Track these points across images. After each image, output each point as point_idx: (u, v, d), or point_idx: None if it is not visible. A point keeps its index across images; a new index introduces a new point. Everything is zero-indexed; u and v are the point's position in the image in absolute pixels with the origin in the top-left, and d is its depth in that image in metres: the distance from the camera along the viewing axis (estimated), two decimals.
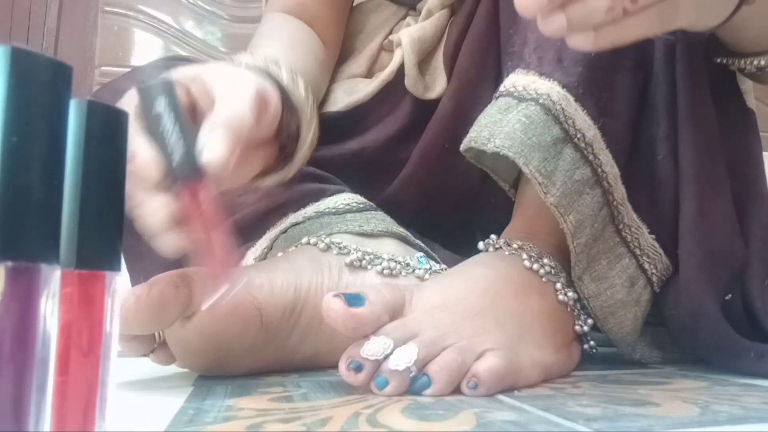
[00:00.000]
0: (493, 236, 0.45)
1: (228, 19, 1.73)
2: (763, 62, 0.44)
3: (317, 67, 0.59)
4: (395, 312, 0.36)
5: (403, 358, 0.34)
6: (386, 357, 0.34)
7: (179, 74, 0.37)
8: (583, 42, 0.32)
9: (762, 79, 0.48)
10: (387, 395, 0.33)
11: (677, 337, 0.45)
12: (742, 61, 0.45)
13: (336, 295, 0.35)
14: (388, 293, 0.36)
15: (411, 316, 0.37)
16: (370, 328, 0.35)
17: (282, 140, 0.43)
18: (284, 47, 0.56)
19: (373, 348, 0.34)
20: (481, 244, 0.44)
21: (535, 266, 0.41)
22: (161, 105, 0.32)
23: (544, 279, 0.42)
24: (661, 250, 0.43)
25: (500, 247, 0.43)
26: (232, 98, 0.36)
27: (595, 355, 0.44)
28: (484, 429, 0.26)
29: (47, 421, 0.18)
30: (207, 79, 0.37)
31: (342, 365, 0.35)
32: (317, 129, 0.45)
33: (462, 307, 0.37)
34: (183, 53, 1.64)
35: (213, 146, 0.33)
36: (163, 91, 0.32)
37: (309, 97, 0.44)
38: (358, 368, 0.34)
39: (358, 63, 0.68)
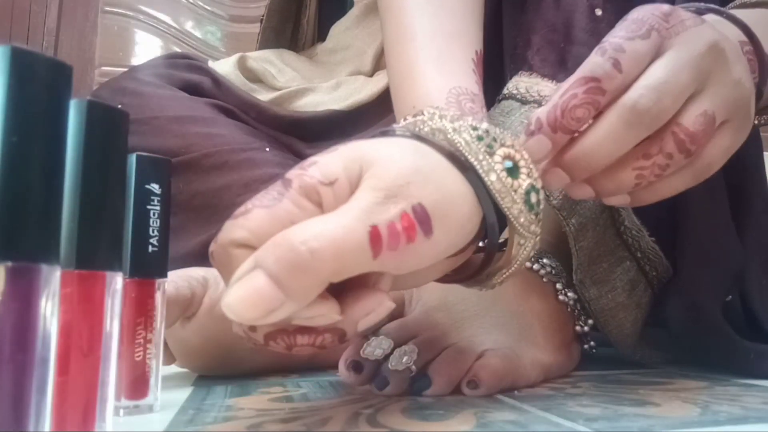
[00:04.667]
0: None
1: (228, 19, 1.73)
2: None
3: (478, 16, 0.43)
4: (395, 312, 0.36)
5: (403, 358, 0.34)
6: (386, 357, 0.34)
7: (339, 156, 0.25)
8: (619, 203, 0.33)
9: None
10: (387, 395, 0.33)
11: (677, 338, 0.45)
12: None
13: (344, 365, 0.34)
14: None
15: (411, 316, 0.37)
16: (368, 330, 0.35)
17: (485, 257, 0.31)
18: (447, 17, 0.40)
19: (372, 348, 0.34)
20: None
21: (536, 266, 0.41)
22: (156, 185, 0.29)
23: (544, 279, 0.42)
24: (661, 253, 0.43)
25: None
26: (343, 220, 0.22)
27: (595, 355, 0.44)
28: (484, 429, 0.26)
29: (47, 421, 0.18)
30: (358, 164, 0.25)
31: (342, 365, 0.35)
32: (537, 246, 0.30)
33: (462, 307, 0.37)
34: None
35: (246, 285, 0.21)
36: (162, 170, 0.30)
37: (535, 206, 0.29)
38: (358, 368, 0.34)
39: (363, 62, 0.68)
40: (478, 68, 0.39)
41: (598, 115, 0.30)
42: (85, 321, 0.22)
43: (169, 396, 0.34)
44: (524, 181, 0.28)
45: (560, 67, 0.43)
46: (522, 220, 0.28)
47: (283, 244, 0.21)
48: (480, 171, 0.27)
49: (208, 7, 1.72)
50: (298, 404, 0.31)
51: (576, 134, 0.30)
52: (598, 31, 0.42)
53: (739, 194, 0.46)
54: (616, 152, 0.30)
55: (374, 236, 0.22)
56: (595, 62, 0.29)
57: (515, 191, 0.28)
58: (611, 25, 0.32)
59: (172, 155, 0.54)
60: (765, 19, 0.38)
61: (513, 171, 0.28)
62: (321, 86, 0.67)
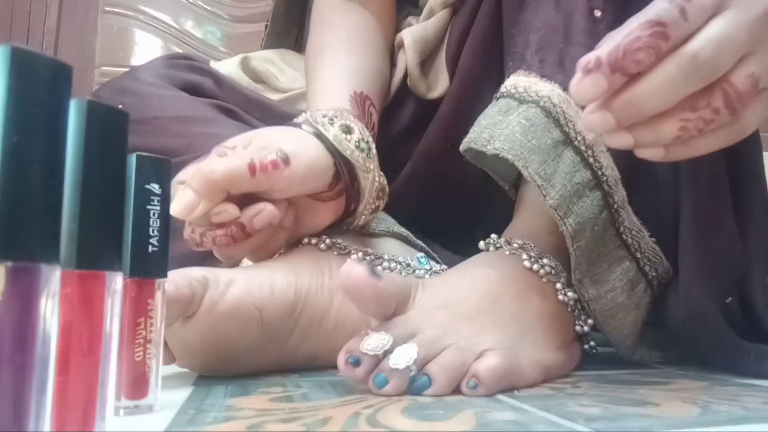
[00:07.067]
0: (493, 236, 0.45)
1: (228, 19, 1.73)
2: None
3: (380, 61, 0.59)
4: (400, 303, 0.37)
5: (403, 357, 0.34)
6: (385, 353, 0.34)
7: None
8: (653, 156, 0.33)
9: None
10: (386, 395, 0.33)
11: (677, 339, 0.45)
12: None
13: (360, 261, 0.36)
14: (400, 280, 0.37)
15: (412, 314, 0.37)
16: (382, 303, 0.36)
17: (346, 194, 0.46)
18: (344, 60, 0.56)
19: (372, 343, 0.34)
20: (482, 244, 0.44)
21: (535, 266, 0.41)
22: (156, 185, 0.30)
23: (544, 279, 0.41)
24: (661, 254, 0.43)
25: (501, 247, 0.43)
26: (230, 158, 0.40)
27: (595, 355, 0.44)
28: (484, 429, 0.26)
29: (47, 421, 0.18)
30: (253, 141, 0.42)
31: (341, 359, 0.35)
32: (380, 181, 0.47)
33: (463, 306, 0.37)
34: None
35: (177, 198, 0.39)
36: (162, 170, 0.30)
37: (365, 150, 0.46)
38: (357, 363, 0.34)
39: None
40: (355, 102, 0.51)
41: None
42: (85, 321, 0.22)
43: (169, 396, 0.34)
44: (355, 135, 0.46)
45: (559, 68, 0.43)
46: (356, 155, 0.45)
47: (198, 171, 0.39)
48: (323, 131, 0.45)
49: (208, 7, 1.72)
50: (298, 404, 0.31)
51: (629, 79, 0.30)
52: (597, 32, 0.42)
53: (740, 195, 0.46)
54: (668, 101, 0.30)
55: (251, 166, 0.39)
56: (662, 7, 0.29)
57: (348, 141, 0.45)
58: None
59: (173, 155, 0.54)
60: None
61: (347, 130, 0.45)
62: None
